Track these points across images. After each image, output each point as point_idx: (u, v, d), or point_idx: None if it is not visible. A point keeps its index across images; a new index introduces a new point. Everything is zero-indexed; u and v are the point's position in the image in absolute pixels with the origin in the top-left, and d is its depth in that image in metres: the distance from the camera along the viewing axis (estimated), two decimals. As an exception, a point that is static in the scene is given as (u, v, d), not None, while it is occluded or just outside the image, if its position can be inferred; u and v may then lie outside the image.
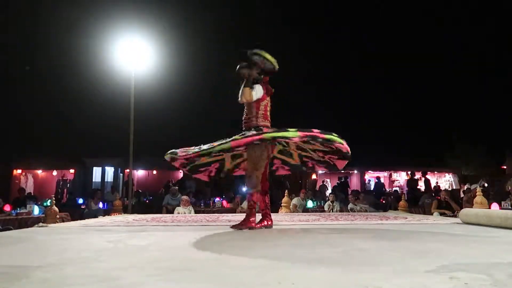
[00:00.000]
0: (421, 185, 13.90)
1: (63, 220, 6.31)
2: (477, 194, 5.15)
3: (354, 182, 17.10)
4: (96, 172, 15.67)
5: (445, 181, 17.11)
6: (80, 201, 11.39)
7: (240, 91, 3.81)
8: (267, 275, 1.70)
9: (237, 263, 2.02)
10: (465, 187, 11.60)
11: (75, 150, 15.67)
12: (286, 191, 7.92)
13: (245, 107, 3.91)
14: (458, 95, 22.91)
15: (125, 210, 7.97)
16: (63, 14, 18.20)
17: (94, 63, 14.26)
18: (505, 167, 18.34)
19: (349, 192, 11.87)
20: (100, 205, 9.38)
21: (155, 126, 17.34)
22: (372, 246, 2.64)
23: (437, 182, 15.94)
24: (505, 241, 2.88)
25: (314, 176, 16.34)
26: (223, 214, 7.04)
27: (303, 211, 8.19)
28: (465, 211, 4.49)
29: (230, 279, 1.64)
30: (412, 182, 13.57)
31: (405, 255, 2.19)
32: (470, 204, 5.84)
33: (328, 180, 16.84)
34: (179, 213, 7.32)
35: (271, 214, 4.00)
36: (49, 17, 18.10)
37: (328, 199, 8.80)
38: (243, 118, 3.92)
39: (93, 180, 15.51)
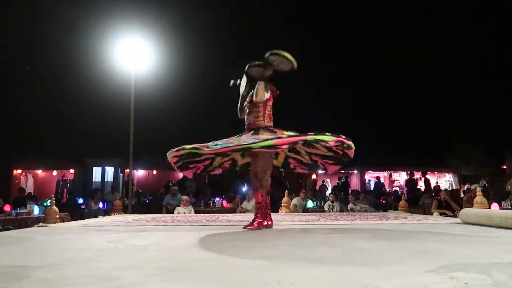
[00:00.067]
0: (421, 185, 13.90)
1: (63, 220, 6.30)
2: (477, 194, 5.14)
3: (354, 182, 17.10)
4: (96, 172, 15.67)
5: (445, 181, 17.11)
6: (80, 201, 11.39)
7: (255, 91, 3.78)
8: (267, 275, 1.70)
9: (237, 263, 2.02)
10: (465, 187, 11.60)
11: (75, 150, 15.67)
12: (286, 191, 7.92)
13: (250, 108, 3.88)
14: (458, 95, 22.92)
15: (125, 210, 7.97)
16: (63, 14, 18.20)
17: (94, 63, 14.27)
18: (505, 167, 18.34)
19: (350, 192, 11.87)
20: (100, 205, 9.38)
21: (155, 126, 17.35)
22: (372, 246, 2.64)
23: (437, 182, 15.94)
24: (505, 241, 2.88)
25: (314, 176, 16.35)
26: (223, 214, 7.04)
27: (303, 211, 8.19)
28: (465, 211, 4.49)
29: (230, 279, 1.64)
30: (411, 182, 13.57)
31: (405, 255, 2.19)
32: (470, 204, 5.84)
33: (328, 180, 16.84)
34: (179, 213, 7.32)
35: (271, 214, 4.00)
36: (49, 17, 18.11)
37: (328, 199, 8.80)
38: (248, 118, 3.89)
39: (93, 180, 15.51)
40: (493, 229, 3.59)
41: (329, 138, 3.35)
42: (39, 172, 15.59)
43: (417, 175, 15.03)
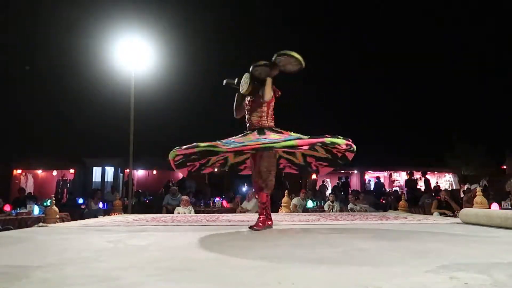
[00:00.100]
0: (421, 185, 13.90)
1: (63, 220, 6.30)
2: (477, 194, 5.14)
3: (354, 182, 17.10)
4: (96, 172, 15.67)
5: (445, 181, 17.11)
6: (80, 201, 11.38)
7: (263, 90, 3.76)
8: (267, 275, 1.70)
9: (237, 263, 2.02)
10: (465, 187, 11.59)
11: (75, 150, 15.67)
12: (286, 191, 7.91)
13: (253, 107, 3.87)
14: (458, 95, 22.93)
15: (125, 210, 7.97)
16: (63, 14, 18.21)
17: (94, 63, 14.28)
18: (505, 167, 18.34)
19: (350, 192, 11.87)
20: (100, 205, 9.38)
21: (155, 126, 17.36)
22: (372, 246, 2.64)
23: (437, 182, 15.94)
24: (505, 241, 2.88)
25: (314, 176, 16.34)
26: (223, 214, 7.04)
27: (303, 211, 8.18)
28: (465, 211, 4.49)
29: (230, 279, 1.64)
30: (410, 182, 13.57)
31: (405, 255, 2.19)
32: (470, 204, 5.83)
33: (328, 180, 16.83)
34: (179, 213, 7.32)
35: (271, 214, 4.00)
36: (49, 17, 18.12)
37: (328, 199, 8.80)
38: (250, 118, 3.87)
39: (93, 180, 15.51)
40: (493, 229, 3.59)
41: (342, 142, 3.39)
42: (39, 172, 15.59)
43: (417, 175, 15.02)
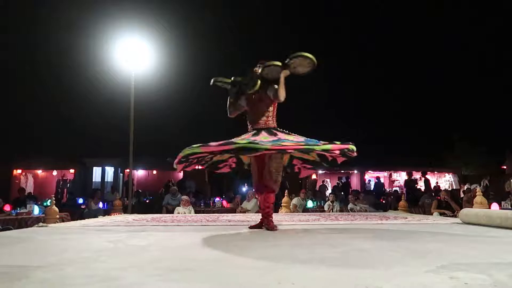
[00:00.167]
0: (421, 185, 13.90)
1: (63, 220, 6.30)
2: (477, 194, 5.14)
3: (354, 182, 17.11)
4: (96, 172, 15.68)
5: (445, 181, 17.11)
6: (80, 201, 11.38)
7: (277, 90, 3.74)
8: (267, 275, 1.70)
9: (237, 263, 2.02)
10: (465, 187, 11.60)
11: (75, 150, 15.68)
12: (286, 191, 7.91)
13: (260, 107, 3.84)
14: (458, 95, 22.94)
15: (125, 210, 7.97)
16: (63, 14, 18.21)
17: (94, 63, 14.29)
18: (505, 167, 18.33)
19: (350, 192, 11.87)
20: (100, 205, 9.38)
21: (155, 126, 17.36)
22: (372, 246, 2.64)
23: (437, 182, 15.94)
24: (505, 241, 2.88)
25: (314, 176, 16.34)
26: (223, 214, 7.04)
27: (303, 211, 8.18)
28: (465, 211, 4.49)
29: (230, 279, 1.64)
30: (410, 182, 13.58)
31: (405, 255, 2.19)
32: (470, 204, 5.83)
33: (328, 180, 16.84)
34: (179, 213, 7.32)
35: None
36: (49, 17, 18.11)
37: (328, 199, 8.80)
38: (256, 118, 3.83)
39: (93, 180, 15.51)
40: (493, 229, 3.59)
41: (352, 147, 3.43)
42: (39, 172, 15.59)
43: (417, 175, 15.03)
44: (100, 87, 16.49)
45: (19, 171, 15.00)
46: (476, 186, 7.12)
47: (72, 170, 15.39)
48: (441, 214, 6.85)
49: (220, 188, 15.27)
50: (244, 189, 13.75)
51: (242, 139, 3.36)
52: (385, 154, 17.16)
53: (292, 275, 1.67)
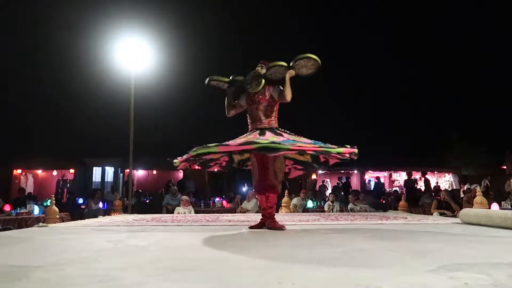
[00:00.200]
0: (421, 185, 13.90)
1: (63, 220, 6.30)
2: (477, 194, 5.14)
3: (354, 182, 17.09)
4: (96, 172, 15.65)
5: (445, 181, 17.10)
6: (80, 201, 11.38)
7: (284, 91, 3.77)
8: (267, 275, 1.70)
9: (237, 263, 2.02)
10: (465, 187, 11.59)
11: (75, 150, 15.67)
12: (286, 191, 7.91)
13: (264, 107, 3.83)
14: (458, 95, 22.94)
15: (125, 210, 7.97)
16: (63, 14, 18.21)
17: (94, 63, 14.29)
18: (505, 167, 18.34)
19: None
20: (100, 205, 9.38)
21: (155, 126, 17.36)
22: (372, 246, 2.64)
23: (437, 182, 15.93)
24: (505, 241, 2.88)
25: (314, 176, 16.34)
26: (223, 214, 7.04)
27: (303, 211, 8.18)
28: (465, 211, 4.49)
29: (230, 279, 1.64)
30: (409, 183, 13.59)
31: (405, 255, 2.19)
32: (470, 204, 5.83)
33: (328, 180, 16.84)
34: (179, 213, 7.32)
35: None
36: (49, 17, 18.11)
37: (328, 199, 8.80)
38: (261, 118, 3.82)
39: (93, 180, 15.49)
40: (493, 229, 3.59)
41: (356, 151, 3.53)
42: (39, 172, 15.58)
43: (417, 175, 15.02)
44: (100, 87, 16.51)
45: (19, 171, 14.99)
46: (476, 186, 7.10)
47: (72, 170, 15.38)
48: (441, 214, 6.85)
49: (220, 188, 15.28)
50: (244, 189, 13.76)
51: (257, 139, 3.36)
52: (385, 154, 17.15)
53: (292, 275, 1.67)
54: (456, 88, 22.76)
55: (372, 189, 15.01)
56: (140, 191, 13.19)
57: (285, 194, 7.75)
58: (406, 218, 5.37)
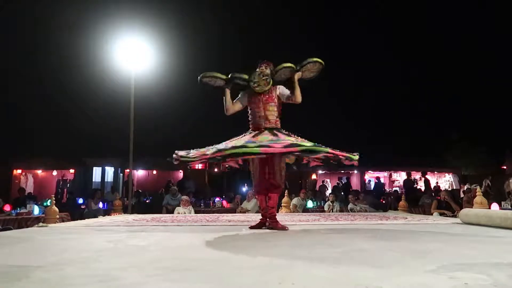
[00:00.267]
0: (421, 185, 13.89)
1: (63, 220, 6.30)
2: (477, 194, 5.14)
3: (354, 182, 17.10)
4: (96, 172, 15.66)
5: (445, 181, 17.10)
6: (80, 201, 11.38)
7: (296, 93, 3.84)
8: (267, 275, 1.70)
9: (238, 263, 2.02)
10: (465, 187, 11.58)
11: (75, 150, 15.66)
12: (286, 191, 7.91)
13: (271, 108, 3.86)
14: (458, 95, 22.93)
15: (125, 210, 7.96)
16: (63, 14, 18.21)
17: (94, 63, 14.28)
18: (505, 167, 18.34)
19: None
20: (100, 205, 9.37)
21: (155, 126, 17.36)
22: (372, 246, 2.64)
23: (437, 182, 15.93)
24: (505, 241, 2.88)
25: (314, 176, 16.35)
26: (223, 214, 7.04)
27: (303, 211, 8.18)
28: (465, 211, 4.49)
29: (230, 279, 1.64)
30: (408, 183, 13.58)
31: (405, 255, 2.19)
32: (470, 204, 5.83)
33: (328, 180, 16.84)
34: (179, 213, 7.32)
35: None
36: (49, 17, 18.10)
37: (328, 199, 8.79)
38: (267, 117, 3.83)
39: (93, 180, 15.49)
40: (493, 229, 3.59)
41: (352, 156, 3.60)
42: (39, 172, 15.58)
43: (417, 175, 15.02)
44: (100, 87, 16.50)
45: (19, 171, 14.99)
46: (477, 186, 7.08)
47: (72, 170, 15.38)
48: (441, 214, 6.85)
49: (220, 188, 15.27)
50: (244, 189, 13.75)
51: (301, 142, 3.44)
52: (385, 154, 17.15)
53: (293, 275, 1.67)
54: (456, 88, 22.75)
55: (372, 189, 15.01)
56: (140, 191, 13.19)
57: (285, 194, 7.75)
58: (406, 218, 5.37)
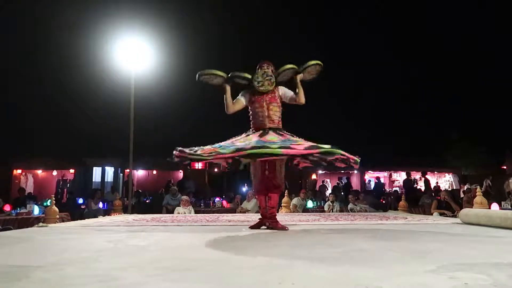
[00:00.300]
0: (421, 185, 13.89)
1: (63, 220, 6.30)
2: (477, 194, 5.14)
3: (354, 182, 17.10)
4: (96, 172, 15.66)
5: (445, 181, 17.10)
6: (80, 201, 11.38)
7: (300, 94, 3.90)
8: (267, 275, 1.70)
9: (237, 263, 2.02)
10: (465, 187, 11.58)
11: (75, 150, 15.67)
12: (286, 191, 7.91)
13: (275, 108, 3.87)
14: (458, 95, 22.93)
15: (125, 210, 7.97)
16: (63, 14, 18.21)
17: (94, 63, 14.29)
18: (505, 167, 18.34)
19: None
20: (100, 205, 9.37)
21: (155, 126, 17.36)
22: (372, 246, 2.64)
23: (437, 182, 15.93)
24: (505, 241, 2.88)
25: (314, 176, 16.35)
26: (223, 214, 7.04)
27: (303, 211, 8.18)
28: (465, 211, 4.49)
29: (230, 279, 1.64)
30: (408, 183, 13.57)
31: (405, 255, 2.19)
32: (470, 204, 5.83)
33: (328, 180, 16.84)
34: (179, 213, 7.32)
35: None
36: (49, 17, 18.10)
37: (328, 199, 8.79)
38: (271, 117, 3.83)
39: (93, 180, 15.50)
40: (493, 229, 3.59)
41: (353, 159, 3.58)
42: (39, 172, 15.58)
43: (417, 175, 15.01)
44: (100, 87, 16.50)
45: (19, 171, 15.00)
46: (476, 186, 7.08)
47: (72, 170, 15.38)
48: (441, 214, 6.85)
49: (220, 188, 15.27)
50: (244, 189, 13.75)
51: (319, 144, 3.35)
52: (385, 154, 17.15)
53: (293, 275, 1.67)
54: (456, 88, 22.74)
55: (372, 189, 15.01)
56: (140, 191, 13.20)
57: (285, 194, 7.75)
58: (406, 218, 5.37)
